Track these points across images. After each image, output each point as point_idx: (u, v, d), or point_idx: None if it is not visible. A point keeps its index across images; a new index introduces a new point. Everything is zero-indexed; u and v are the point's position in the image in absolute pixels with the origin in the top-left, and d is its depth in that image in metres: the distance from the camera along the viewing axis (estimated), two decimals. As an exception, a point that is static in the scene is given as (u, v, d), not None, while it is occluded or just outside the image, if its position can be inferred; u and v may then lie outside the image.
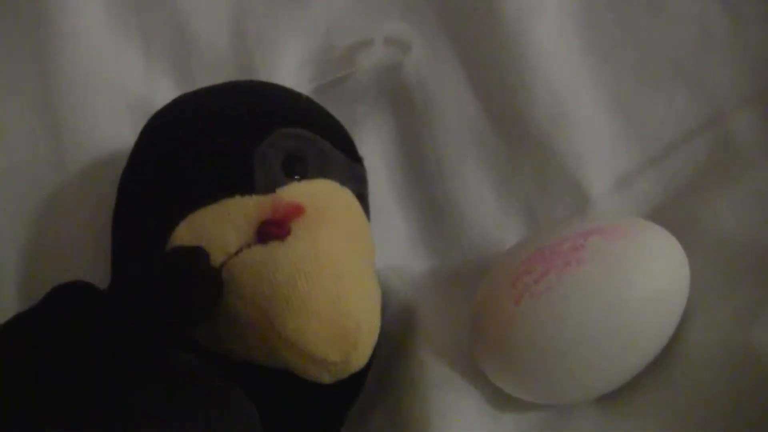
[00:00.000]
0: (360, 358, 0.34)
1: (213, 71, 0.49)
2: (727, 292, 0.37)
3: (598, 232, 0.36)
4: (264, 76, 0.48)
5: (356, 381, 0.36)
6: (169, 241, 0.35)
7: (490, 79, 0.46)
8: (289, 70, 0.48)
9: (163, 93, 0.48)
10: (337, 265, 0.35)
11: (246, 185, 0.36)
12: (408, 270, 0.45)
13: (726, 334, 0.36)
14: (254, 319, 0.34)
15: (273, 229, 0.34)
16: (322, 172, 0.38)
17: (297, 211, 0.35)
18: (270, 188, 0.36)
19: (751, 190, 0.40)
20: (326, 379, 0.34)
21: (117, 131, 0.47)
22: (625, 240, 0.36)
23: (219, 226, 0.35)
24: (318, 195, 0.37)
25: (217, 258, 0.34)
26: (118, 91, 0.49)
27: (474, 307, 0.38)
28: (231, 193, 0.36)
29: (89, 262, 0.44)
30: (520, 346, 0.36)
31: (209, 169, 0.37)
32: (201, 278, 0.33)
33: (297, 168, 0.37)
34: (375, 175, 0.44)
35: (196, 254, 0.34)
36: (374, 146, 0.47)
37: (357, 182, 0.40)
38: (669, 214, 0.41)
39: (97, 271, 0.42)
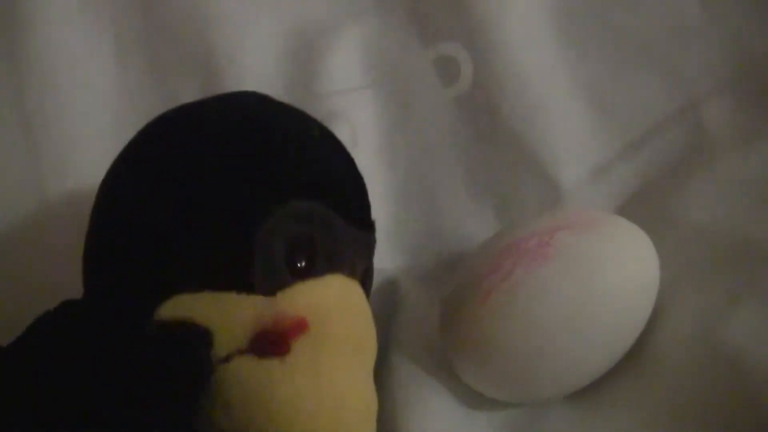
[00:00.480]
0: None
1: (186, 62, 0.49)
2: (700, 285, 0.37)
3: (566, 228, 0.36)
4: (236, 67, 0.48)
5: None
6: (156, 315, 0.31)
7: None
8: (258, 53, 0.48)
9: (138, 86, 0.48)
10: (338, 396, 0.31)
11: (244, 279, 0.31)
12: (381, 267, 0.44)
13: (698, 328, 0.35)
14: None
15: (273, 347, 0.31)
16: (331, 264, 0.33)
17: (300, 328, 0.31)
18: (271, 289, 0.31)
19: (725, 180, 0.40)
20: None
21: (95, 126, 0.47)
22: (592, 235, 0.36)
23: (210, 322, 0.31)
24: (324, 302, 0.32)
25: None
26: (92, 86, 0.49)
27: (444, 306, 0.38)
28: (227, 286, 0.31)
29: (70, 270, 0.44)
30: (489, 346, 0.35)
31: (202, 246, 0.31)
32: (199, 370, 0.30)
33: (303, 258, 0.32)
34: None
35: (203, 340, 0.30)
36: (347, 141, 0.46)
37: (366, 258, 0.36)
38: (642, 205, 0.41)
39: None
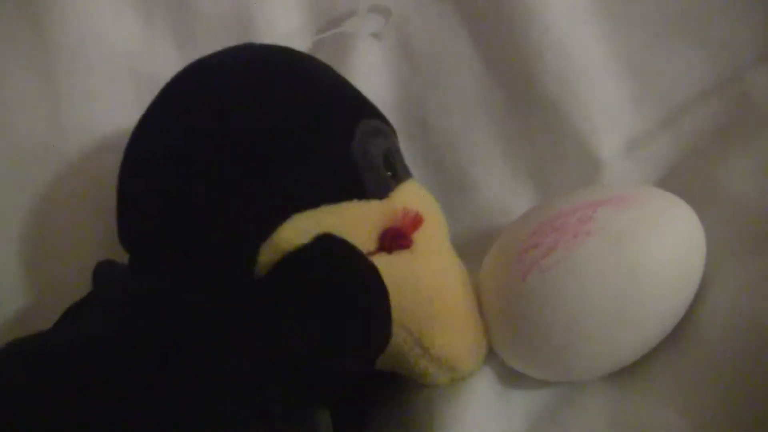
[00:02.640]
0: (477, 369, 0.36)
1: (213, 33, 0.48)
2: (745, 259, 0.36)
3: (608, 202, 0.35)
4: (266, 37, 0.47)
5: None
6: (273, 236, 0.33)
7: (498, 43, 0.45)
8: (290, 26, 0.47)
9: (165, 58, 0.48)
10: (458, 275, 0.36)
11: (357, 188, 0.34)
12: None
13: (744, 304, 0.34)
14: (394, 331, 0.33)
15: (400, 242, 0.34)
16: (406, 171, 0.38)
17: (418, 221, 0.35)
18: (383, 193, 0.35)
19: (768, 152, 0.38)
20: (447, 383, 0.36)
21: (120, 96, 0.47)
22: (635, 209, 0.34)
23: (340, 232, 0.33)
24: (422, 201, 0.37)
25: None
26: (118, 57, 0.48)
27: (480, 281, 0.37)
28: (344, 196, 0.34)
29: (91, 242, 0.44)
30: (528, 323, 0.35)
31: (308, 165, 0.34)
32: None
33: (390, 166, 0.36)
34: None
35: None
36: (383, 113, 0.46)
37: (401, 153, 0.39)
38: (683, 178, 0.40)
39: (99, 254, 0.41)
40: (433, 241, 0.35)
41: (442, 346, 0.34)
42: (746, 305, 0.34)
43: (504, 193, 0.43)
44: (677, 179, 0.40)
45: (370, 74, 0.47)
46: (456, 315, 0.34)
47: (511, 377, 0.37)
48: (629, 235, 0.34)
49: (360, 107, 0.37)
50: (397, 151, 0.38)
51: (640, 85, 0.42)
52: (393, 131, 0.39)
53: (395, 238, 0.34)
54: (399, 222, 0.34)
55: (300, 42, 0.48)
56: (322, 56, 0.47)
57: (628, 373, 0.36)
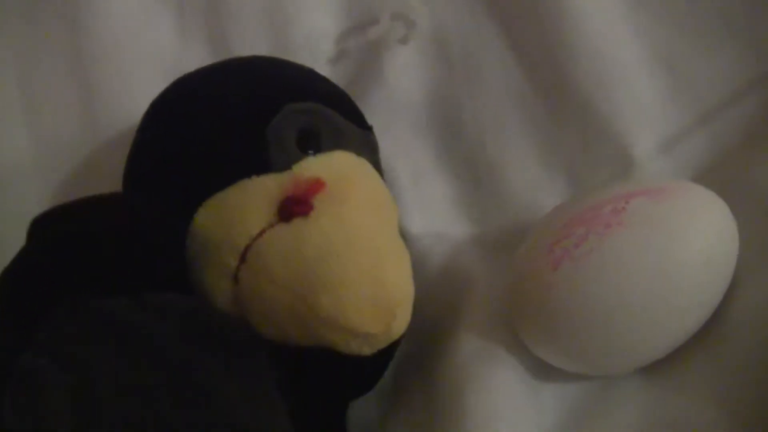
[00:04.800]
0: (400, 326, 0.34)
1: (247, 36, 0.49)
2: (779, 256, 0.36)
3: (641, 194, 0.35)
4: (298, 38, 0.48)
5: (390, 347, 0.35)
6: (191, 231, 0.35)
7: (531, 39, 0.45)
8: (326, 32, 0.48)
9: (198, 58, 0.47)
10: (366, 236, 0.34)
11: (261, 164, 0.35)
12: (448, 235, 0.44)
13: (778, 300, 0.34)
14: (288, 301, 0.33)
15: (296, 207, 0.33)
16: (337, 145, 0.37)
17: (318, 186, 0.34)
18: (286, 165, 0.35)
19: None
20: (366, 351, 0.34)
21: (153, 94, 0.47)
22: (669, 202, 0.34)
23: (239, 209, 0.34)
24: (337, 168, 0.36)
25: (240, 241, 0.34)
26: (152, 57, 0.49)
27: (512, 274, 0.37)
28: (247, 173, 0.35)
29: None
30: (559, 314, 0.34)
31: (221, 152, 0.36)
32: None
33: (311, 143, 0.36)
34: (415, 140, 0.44)
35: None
36: (415, 111, 0.46)
37: (370, 151, 0.39)
38: (717, 176, 0.40)
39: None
40: (344, 204, 0.34)
41: (330, 306, 0.32)
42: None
43: (536, 190, 0.43)
44: (711, 178, 0.39)
45: (402, 75, 0.47)
46: (346, 275, 0.32)
47: (542, 370, 0.37)
48: (662, 226, 0.34)
49: (293, 94, 0.38)
50: (331, 127, 0.37)
51: (674, 83, 0.42)
52: (338, 111, 0.38)
53: (291, 206, 0.33)
54: (296, 190, 0.34)
55: (330, 41, 0.48)
56: (354, 58, 0.47)
57: (661, 367, 0.36)
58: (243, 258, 0.34)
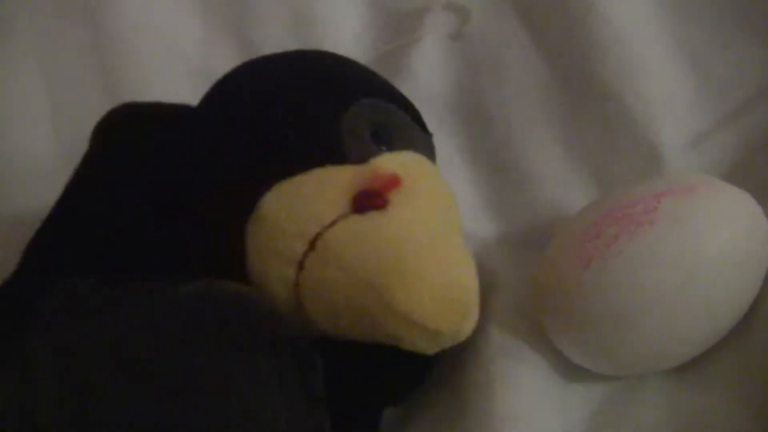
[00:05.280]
0: (469, 327, 0.33)
1: (272, 37, 0.48)
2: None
3: (672, 193, 0.34)
4: (325, 41, 0.48)
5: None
6: (256, 210, 0.34)
7: (557, 36, 0.45)
8: (349, 37, 0.48)
9: (223, 59, 0.47)
10: (440, 233, 0.33)
11: (337, 155, 0.34)
12: (474, 232, 0.44)
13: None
14: (358, 292, 0.32)
15: (372, 201, 0.33)
16: (407, 144, 0.36)
17: (395, 182, 0.34)
18: (363, 158, 0.34)
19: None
20: (432, 349, 0.33)
21: (174, 88, 0.47)
22: (700, 200, 0.34)
23: (312, 196, 0.33)
24: (410, 166, 0.35)
25: (311, 228, 0.33)
26: (176, 57, 0.49)
27: (541, 272, 0.37)
28: (321, 162, 0.34)
29: None
30: (589, 313, 0.34)
31: (296, 137, 0.35)
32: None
33: (384, 139, 0.36)
34: (440, 135, 0.43)
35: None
36: (440, 109, 0.46)
37: (431, 155, 0.39)
38: (746, 173, 0.39)
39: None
40: (415, 201, 0.34)
41: (405, 301, 0.31)
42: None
43: (563, 187, 0.43)
44: (738, 174, 0.39)
45: (428, 70, 0.47)
46: (424, 270, 0.32)
47: (568, 370, 0.37)
48: (693, 226, 0.33)
49: (365, 89, 0.37)
50: (402, 126, 0.37)
51: (701, 79, 0.42)
52: (405, 113, 0.38)
53: (367, 198, 0.33)
54: (374, 183, 0.33)
55: (356, 41, 0.48)
56: (385, 58, 0.47)
57: (689, 368, 0.35)
58: (312, 245, 0.33)
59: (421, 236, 0.32)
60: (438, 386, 0.39)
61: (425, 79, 0.46)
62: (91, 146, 0.38)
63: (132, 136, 0.37)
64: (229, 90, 0.38)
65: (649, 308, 0.33)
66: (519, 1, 0.46)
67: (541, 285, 0.37)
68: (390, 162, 0.35)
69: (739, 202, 0.35)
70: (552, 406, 0.36)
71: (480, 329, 0.38)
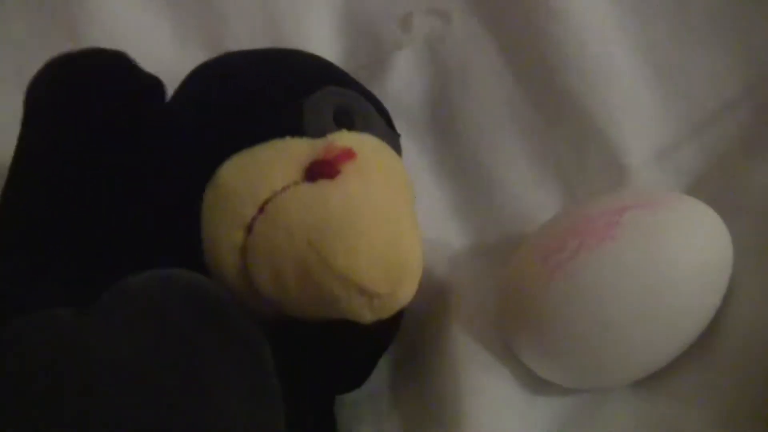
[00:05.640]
0: (406, 294, 0.33)
1: (243, 38, 0.49)
2: (772, 268, 0.35)
3: (635, 207, 0.34)
4: (293, 39, 0.48)
5: (387, 333, 0.37)
6: (213, 178, 0.34)
7: (524, 48, 0.45)
8: (321, 43, 0.47)
9: (196, 62, 0.47)
10: (389, 206, 0.34)
11: (296, 129, 0.35)
12: (443, 243, 0.44)
13: (769, 314, 0.34)
14: (302, 251, 0.32)
15: (323, 170, 0.33)
16: (369, 130, 0.37)
17: (349, 154, 0.34)
18: (321, 134, 0.35)
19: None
20: (367, 316, 0.33)
21: None
22: (662, 215, 0.34)
23: (267, 164, 0.34)
24: (366, 144, 0.36)
25: (262, 193, 0.33)
26: (149, 58, 0.48)
27: (504, 285, 0.37)
28: (281, 134, 0.35)
29: None
30: (552, 327, 0.34)
31: (258, 113, 0.36)
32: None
33: (345, 122, 0.36)
34: (410, 148, 0.43)
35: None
36: (409, 119, 0.46)
37: (397, 151, 0.39)
38: (711, 186, 0.39)
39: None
40: (367, 174, 0.34)
41: (344, 259, 0.32)
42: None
43: (531, 198, 0.43)
44: (705, 186, 0.39)
45: (398, 80, 0.47)
46: (365, 233, 0.32)
47: (535, 383, 0.37)
48: (655, 240, 0.33)
49: (335, 80, 0.38)
50: (366, 114, 0.38)
51: (668, 91, 0.42)
52: (370, 105, 0.39)
53: (319, 167, 0.33)
54: (327, 154, 0.34)
55: (329, 47, 0.48)
56: (355, 62, 0.47)
57: (655, 379, 0.35)
58: (262, 209, 0.33)
59: (368, 204, 0.33)
60: (407, 393, 0.39)
61: (394, 89, 0.46)
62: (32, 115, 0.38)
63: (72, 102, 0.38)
64: (199, 73, 0.39)
65: (612, 322, 0.33)
66: (487, 14, 0.46)
67: (505, 298, 0.37)
68: (347, 139, 0.35)
69: (700, 215, 0.35)
70: (520, 419, 0.36)
71: (448, 340, 0.39)
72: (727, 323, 0.35)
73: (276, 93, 0.36)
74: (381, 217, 0.33)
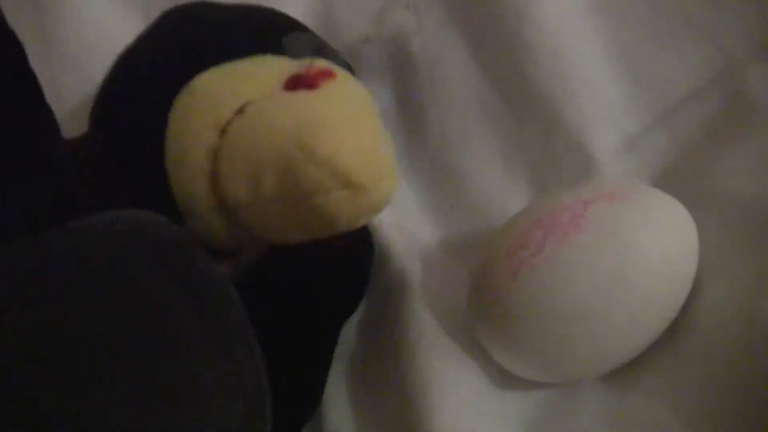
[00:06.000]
0: (389, 189, 0.34)
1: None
2: (740, 258, 0.35)
3: (599, 200, 0.34)
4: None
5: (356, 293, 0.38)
6: (187, 86, 0.34)
7: (492, 41, 0.44)
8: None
9: None
10: (368, 114, 0.35)
11: (277, 50, 0.36)
12: (413, 236, 0.44)
13: (739, 303, 0.34)
14: (282, 146, 0.32)
15: (305, 80, 0.34)
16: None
17: (329, 74, 0.34)
18: (300, 57, 0.36)
19: (765, 148, 0.37)
20: (344, 211, 0.33)
21: None
22: (627, 207, 0.34)
23: (247, 74, 0.34)
24: (345, 73, 0.36)
25: (240, 99, 0.33)
26: None
27: (472, 280, 0.37)
28: (263, 53, 0.36)
29: None
30: (519, 322, 0.34)
31: (240, 44, 0.36)
32: None
33: (322, 55, 0.37)
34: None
35: None
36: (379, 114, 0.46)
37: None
38: (679, 176, 0.39)
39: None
40: (345, 90, 0.35)
41: (330, 148, 0.32)
42: (740, 303, 0.34)
43: (500, 192, 0.43)
44: (672, 177, 0.39)
45: (370, 81, 0.47)
46: (349, 129, 0.33)
47: (505, 378, 0.37)
48: (620, 232, 0.33)
49: (306, 29, 0.40)
50: (339, 58, 0.39)
51: (635, 82, 0.42)
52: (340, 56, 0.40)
53: (299, 79, 0.34)
54: (308, 71, 0.34)
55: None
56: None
57: (623, 373, 0.35)
58: (240, 111, 0.33)
59: (350, 108, 0.34)
60: (377, 390, 0.39)
61: (365, 86, 0.46)
62: None
63: None
64: (172, 13, 0.39)
65: (578, 317, 0.33)
66: (456, 14, 0.46)
67: (473, 294, 0.37)
68: (326, 64, 0.35)
69: (665, 207, 0.35)
70: (491, 414, 0.36)
71: (419, 335, 0.38)
72: (694, 315, 0.35)
73: (255, 27, 0.37)
74: (363, 120, 0.34)
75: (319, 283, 0.38)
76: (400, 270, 0.41)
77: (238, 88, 0.34)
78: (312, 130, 0.32)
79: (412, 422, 0.36)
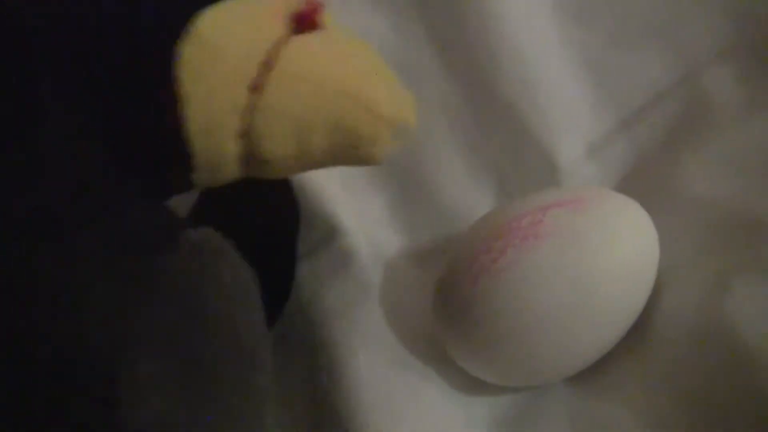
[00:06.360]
0: (411, 131, 0.34)
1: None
2: (701, 261, 0.36)
3: (559, 205, 0.35)
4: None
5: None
6: (193, 31, 0.31)
7: (456, 47, 0.44)
8: None
9: None
10: (372, 49, 0.34)
11: None
12: (378, 244, 0.43)
13: (700, 306, 0.34)
14: (329, 100, 0.32)
15: (309, 19, 0.32)
16: None
17: (319, 6, 0.33)
18: None
19: (725, 152, 0.38)
20: (382, 159, 0.33)
21: None
22: (587, 211, 0.34)
23: (250, 19, 0.32)
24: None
25: (259, 48, 0.31)
26: None
27: (436, 288, 0.37)
28: None
29: None
30: (481, 329, 0.34)
31: None
32: None
33: None
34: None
35: None
36: None
37: None
38: (642, 180, 0.40)
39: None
40: (347, 31, 0.34)
41: (378, 99, 0.32)
42: (699, 305, 0.34)
43: (465, 198, 0.43)
44: (635, 182, 0.40)
45: None
46: (379, 72, 0.33)
47: (470, 383, 0.37)
48: (579, 237, 0.34)
49: None
50: None
51: (597, 88, 0.42)
52: None
53: (301, 20, 0.33)
54: (307, 6, 0.33)
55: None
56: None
57: (588, 376, 0.36)
58: (267, 65, 0.31)
59: (363, 48, 0.34)
60: (339, 398, 0.39)
61: None
62: None
63: None
64: None
65: (539, 322, 0.33)
66: (420, 18, 0.45)
67: (436, 301, 0.37)
68: None
69: (625, 210, 0.35)
70: (455, 419, 0.36)
71: (383, 344, 0.39)
72: (655, 318, 0.35)
73: None
74: (378, 59, 0.34)
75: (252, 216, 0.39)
76: (364, 278, 0.41)
77: (249, 35, 0.32)
78: (356, 83, 0.32)
79: (378, 424, 0.36)
